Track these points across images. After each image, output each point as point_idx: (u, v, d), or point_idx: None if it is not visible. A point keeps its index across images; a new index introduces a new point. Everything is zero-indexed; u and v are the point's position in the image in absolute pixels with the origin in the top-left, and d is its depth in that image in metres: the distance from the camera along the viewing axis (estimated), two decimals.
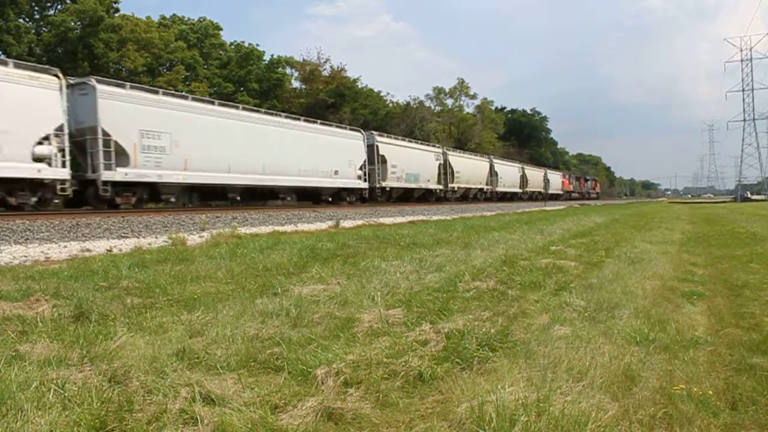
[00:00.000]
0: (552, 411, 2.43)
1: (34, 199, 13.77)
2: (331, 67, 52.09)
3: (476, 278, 6.01)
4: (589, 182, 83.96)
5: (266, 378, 3.02)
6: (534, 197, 50.92)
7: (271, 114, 22.03)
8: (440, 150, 35.37)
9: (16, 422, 2.35)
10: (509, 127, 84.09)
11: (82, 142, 14.80)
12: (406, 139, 35.13)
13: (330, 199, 24.66)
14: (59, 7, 38.74)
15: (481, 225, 15.40)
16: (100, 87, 14.96)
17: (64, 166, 13.91)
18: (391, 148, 28.88)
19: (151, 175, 16.06)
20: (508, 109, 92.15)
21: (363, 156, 26.07)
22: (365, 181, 26.21)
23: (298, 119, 23.46)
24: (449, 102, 70.75)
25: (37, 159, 13.31)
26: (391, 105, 59.79)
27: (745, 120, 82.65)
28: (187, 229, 11.95)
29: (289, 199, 22.14)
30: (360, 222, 16.95)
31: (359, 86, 53.66)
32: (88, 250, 8.73)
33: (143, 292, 5.20)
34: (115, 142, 14.97)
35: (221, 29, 50.65)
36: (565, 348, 3.43)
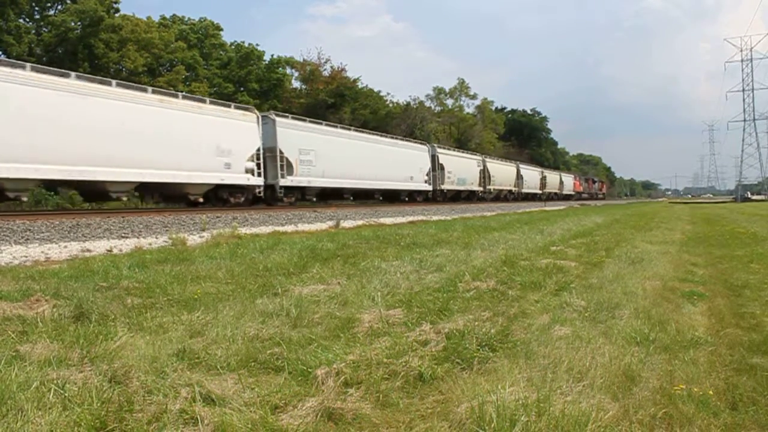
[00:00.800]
0: (552, 411, 2.43)
1: (242, 199, 20.02)
2: (331, 67, 52.14)
3: (476, 278, 6.01)
4: (596, 184, 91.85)
5: (266, 378, 3.03)
6: (551, 197, 57.49)
7: (368, 133, 29.48)
8: (480, 158, 41.94)
9: (16, 422, 2.35)
10: (509, 128, 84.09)
11: (265, 158, 20.41)
12: (458, 149, 43.19)
13: (406, 198, 31.25)
14: (59, 7, 38.76)
15: (481, 225, 15.39)
16: (278, 119, 21.48)
17: (260, 175, 19.98)
18: (447, 157, 35.56)
19: (303, 182, 22.25)
20: (509, 109, 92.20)
21: (428, 165, 32.96)
22: (430, 184, 33.07)
23: (385, 136, 31.74)
24: (449, 102, 70.80)
25: (247, 171, 19.49)
26: (391, 105, 59.79)
27: (745, 120, 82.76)
28: (188, 229, 11.95)
29: (381, 198, 29.41)
30: (360, 222, 16.95)
31: (359, 86, 53.66)
32: (89, 251, 8.73)
33: (143, 293, 5.20)
34: (286, 158, 21.22)
35: (221, 29, 50.71)
36: (565, 348, 3.43)
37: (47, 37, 36.69)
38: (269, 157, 20.58)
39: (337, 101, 49.51)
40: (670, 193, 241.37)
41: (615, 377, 2.99)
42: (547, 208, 35.29)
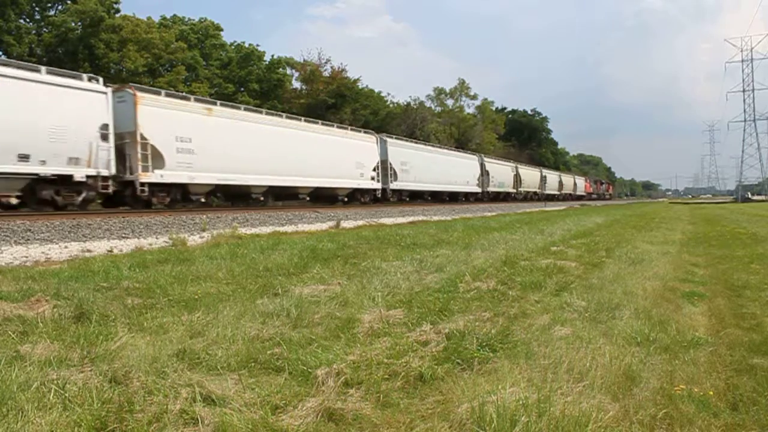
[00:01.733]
0: (552, 411, 2.43)
1: (368, 198, 27.34)
2: (331, 67, 52.14)
3: (477, 279, 6.01)
4: (603, 185, 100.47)
5: (267, 378, 3.03)
6: (566, 198, 64.87)
7: (442, 147, 39.32)
8: (513, 164, 50.15)
9: (16, 422, 2.35)
10: (510, 128, 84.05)
11: (379, 168, 27.88)
12: (498, 158, 50.67)
13: (463, 198, 38.04)
14: (60, 7, 38.79)
15: (481, 225, 15.39)
16: (389, 140, 29.62)
17: (378, 181, 27.70)
18: (491, 165, 43.31)
19: (403, 185, 30.01)
20: (509, 109, 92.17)
21: (479, 171, 40.48)
22: (479, 187, 40.18)
23: (454, 150, 40.87)
24: (450, 102, 70.80)
25: (372, 179, 27.21)
26: (391, 105, 59.81)
27: (745, 120, 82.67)
28: (188, 229, 11.95)
29: (448, 198, 35.94)
30: (360, 222, 16.95)
31: (360, 87, 53.66)
32: (89, 251, 8.74)
33: (144, 293, 5.20)
34: (392, 167, 28.92)
35: (222, 30, 50.65)
36: (565, 348, 3.43)
37: (47, 37, 36.72)
38: (382, 167, 28.18)
39: (338, 102, 49.51)
40: (670, 193, 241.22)
41: (615, 377, 2.99)
42: (547, 209, 35.29)
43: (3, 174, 12.73)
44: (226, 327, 3.89)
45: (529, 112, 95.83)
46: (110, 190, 15.34)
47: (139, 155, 15.42)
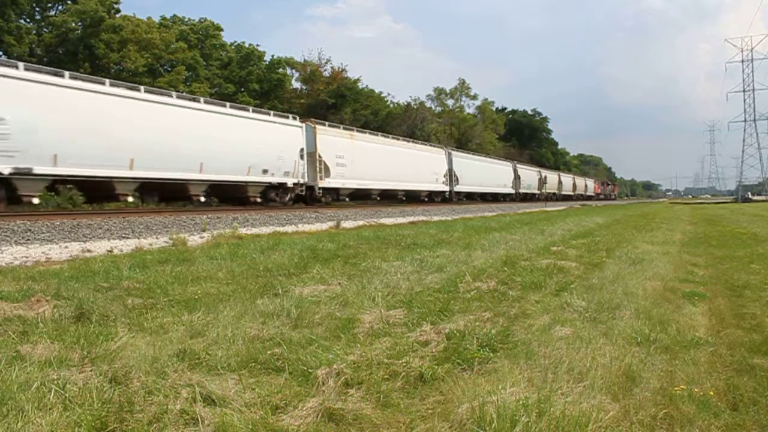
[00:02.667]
0: (553, 412, 2.43)
1: (439, 198, 34.96)
2: (332, 67, 52.18)
3: (477, 279, 6.01)
4: (609, 186, 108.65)
5: (267, 378, 3.03)
6: (577, 198, 71.86)
7: (478, 154, 46.29)
8: (537, 169, 59.82)
9: (17, 423, 2.35)
10: (510, 128, 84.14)
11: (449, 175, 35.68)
12: (531, 164, 61.45)
13: (502, 198, 45.41)
14: (60, 7, 38.79)
15: (481, 226, 15.39)
16: (454, 152, 38.47)
17: (446, 185, 35.34)
18: (521, 170, 51.41)
19: (461, 188, 38.11)
20: (509, 109, 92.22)
21: (512, 176, 48.53)
22: (512, 189, 48.24)
23: (491, 157, 49.99)
24: (450, 102, 70.93)
25: (442, 183, 34.96)
26: (391, 105, 59.86)
27: (746, 120, 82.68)
28: (188, 229, 11.96)
29: (491, 198, 43.27)
30: (361, 222, 16.95)
31: (360, 87, 53.69)
32: (89, 251, 8.74)
33: (144, 293, 5.20)
34: (455, 173, 36.80)
35: (222, 30, 50.73)
36: (565, 348, 3.43)
37: (48, 37, 36.73)
38: (449, 174, 36.19)
39: (338, 102, 49.56)
40: (670, 193, 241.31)
41: (615, 378, 2.99)
42: (547, 209, 35.30)
43: (255, 182, 20.92)
44: (227, 327, 3.89)
45: (530, 112, 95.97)
46: (303, 192, 23.15)
47: (317, 168, 23.61)
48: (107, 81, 16.47)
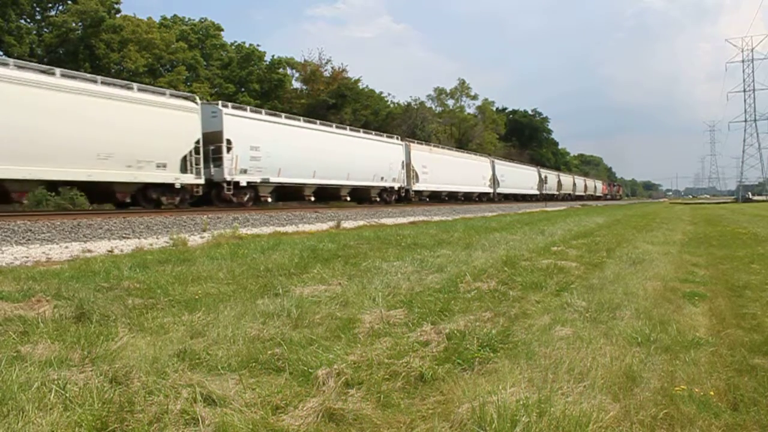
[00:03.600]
0: (553, 412, 2.43)
1: (485, 198, 41.63)
2: (332, 67, 52.18)
3: (477, 279, 6.01)
4: (615, 187, 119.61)
5: (267, 379, 3.03)
6: (588, 198, 79.19)
7: (510, 160, 54.29)
8: (557, 173, 67.55)
9: (17, 423, 2.35)
10: (510, 128, 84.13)
11: (493, 179, 44.07)
12: (552, 169, 70.05)
13: (529, 198, 52.40)
14: (60, 7, 38.80)
15: (482, 226, 15.39)
16: (496, 161, 46.39)
17: (490, 188, 43.04)
18: (545, 173, 59.41)
19: (502, 190, 45.59)
20: (510, 109, 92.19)
21: (537, 179, 55.84)
22: (537, 190, 55.07)
23: (523, 164, 56.41)
24: (450, 102, 70.96)
25: (487, 186, 42.99)
26: (392, 105, 59.86)
27: (746, 120, 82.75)
28: (188, 229, 11.96)
29: (521, 198, 49.49)
30: (361, 222, 16.95)
31: (360, 87, 53.68)
32: (90, 251, 8.74)
33: (144, 293, 5.21)
34: (497, 178, 44.25)
35: (222, 30, 50.77)
36: (566, 349, 3.43)
37: (48, 37, 36.74)
38: (493, 179, 44.07)
39: (338, 102, 49.56)
40: (671, 193, 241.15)
41: (616, 378, 2.99)
42: (548, 209, 35.30)
43: (375, 186, 28.56)
44: (227, 327, 3.89)
45: (530, 112, 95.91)
46: (402, 194, 30.69)
47: (411, 175, 31.52)
48: (301, 118, 25.35)
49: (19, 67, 14.13)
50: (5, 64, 13.71)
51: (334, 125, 27.52)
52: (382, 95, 59.55)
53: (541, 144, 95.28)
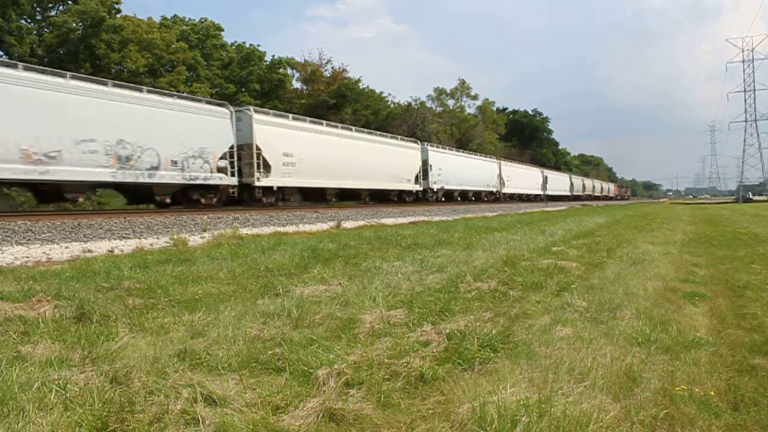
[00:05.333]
0: (553, 412, 2.43)
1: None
2: (332, 68, 52.15)
3: (478, 279, 6.01)
4: (623, 188, 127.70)
5: (268, 379, 3.03)
6: (599, 198, 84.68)
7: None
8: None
9: (17, 423, 2.36)
10: (511, 128, 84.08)
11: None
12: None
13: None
14: (61, 7, 38.80)
15: (482, 226, 15.39)
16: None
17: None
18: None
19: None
20: (510, 109, 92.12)
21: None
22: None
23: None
24: (450, 103, 70.86)
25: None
26: (392, 105, 59.80)
27: (746, 121, 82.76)
28: (189, 229, 11.96)
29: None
30: (361, 222, 16.96)
31: (360, 87, 53.65)
32: (90, 251, 8.75)
33: (145, 293, 5.21)
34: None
35: (222, 30, 50.69)
36: (566, 349, 3.43)
37: (49, 37, 36.74)
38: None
39: (339, 102, 49.51)
40: (671, 193, 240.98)
41: (616, 378, 2.99)
42: (548, 209, 35.30)
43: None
44: (227, 327, 3.89)
45: (530, 112, 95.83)
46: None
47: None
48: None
49: (381, 136, 26.12)
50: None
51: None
52: (383, 95, 59.53)
53: (542, 144, 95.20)
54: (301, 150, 22.22)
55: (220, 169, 18.30)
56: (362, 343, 3.66)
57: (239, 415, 2.49)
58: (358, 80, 53.47)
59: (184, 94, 19.55)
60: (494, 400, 2.54)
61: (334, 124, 27.04)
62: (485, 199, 42.25)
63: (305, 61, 52.11)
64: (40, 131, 13.10)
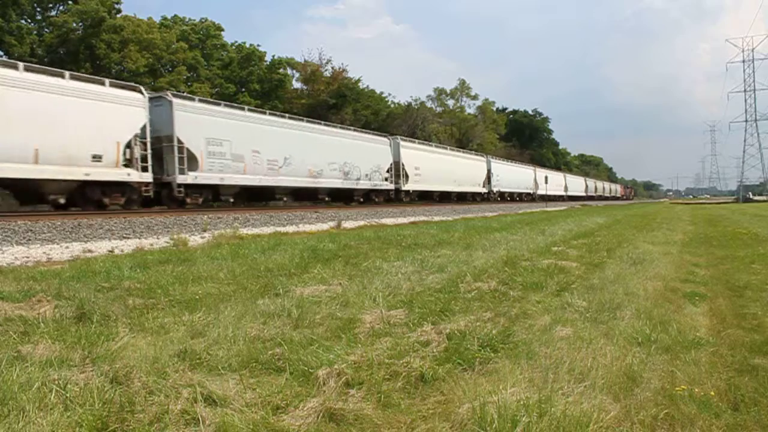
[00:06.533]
0: (554, 412, 2.43)
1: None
2: (332, 68, 52.17)
3: (478, 279, 6.01)
4: (629, 189, 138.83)
5: (268, 379, 3.02)
6: (609, 198, 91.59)
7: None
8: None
9: (18, 423, 2.36)
10: (511, 128, 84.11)
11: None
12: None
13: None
14: (61, 7, 38.81)
15: (482, 226, 15.39)
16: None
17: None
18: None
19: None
20: (510, 109, 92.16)
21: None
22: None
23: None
24: (450, 103, 70.87)
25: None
26: (392, 106, 59.85)
27: (747, 121, 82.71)
28: (189, 229, 11.96)
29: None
30: (362, 222, 16.95)
31: (360, 87, 53.67)
32: (90, 251, 8.75)
33: (145, 293, 5.21)
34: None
35: (223, 30, 50.74)
36: (566, 349, 3.43)
37: (49, 37, 36.75)
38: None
39: (339, 102, 49.54)
40: (671, 193, 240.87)
41: (616, 378, 2.99)
42: (548, 209, 35.29)
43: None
44: (227, 327, 3.89)
45: (530, 112, 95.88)
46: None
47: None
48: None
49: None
50: None
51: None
52: (383, 95, 59.61)
53: (542, 144, 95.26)
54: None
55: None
56: (362, 343, 3.66)
57: (239, 415, 2.49)
58: (358, 80, 53.57)
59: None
60: (494, 400, 2.54)
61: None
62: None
63: (305, 61, 52.19)
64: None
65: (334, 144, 24.77)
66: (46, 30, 37.68)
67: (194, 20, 49.88)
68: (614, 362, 3.20)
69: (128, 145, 15.83)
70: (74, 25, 37.06)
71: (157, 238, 10.51)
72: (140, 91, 16.65)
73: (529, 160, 68.15)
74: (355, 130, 28.51)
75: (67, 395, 2.65)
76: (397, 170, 29.97)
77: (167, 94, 17.85)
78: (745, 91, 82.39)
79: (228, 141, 19.04)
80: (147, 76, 38.45)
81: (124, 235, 10.65)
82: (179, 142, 17.27)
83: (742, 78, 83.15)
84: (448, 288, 5.53)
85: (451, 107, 70.13)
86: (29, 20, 37.70)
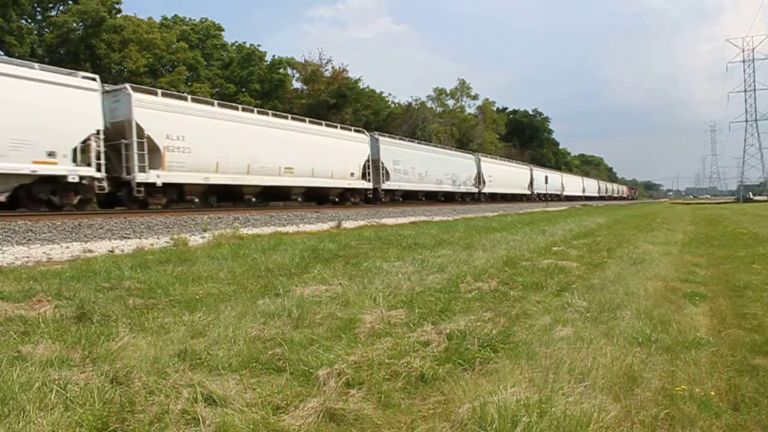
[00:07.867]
0: (554, 412, 2.43)
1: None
2: (332, 68, 52.15)
3: (478, 279, 6.01)
4: (633, 190, 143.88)
5: (268, 379, 3.03)
6: (617, 198, 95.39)
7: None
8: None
9: (18, 423, 2.36)
10: (511, 128, 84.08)
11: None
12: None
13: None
14: (61, 7, 38.81)
15: (483, 226, 15.39)
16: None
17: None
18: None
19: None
20: (510, 109, 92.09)
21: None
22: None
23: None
24: (450, 103, 70.82)
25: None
26: (392, 106, 59.81)
27: (747, 121, 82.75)
28: (189, 229, 11.96)
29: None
30: (362, 222, 16.95)
31: (361, 87, 53.65)
32: (90, 251, 8.75)
33: (145, 293, 5.21)
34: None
35: (223, 30, 50.64)
36: (567, 349, 3.43)
37: (49, 37, 36.75)
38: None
39: (339, 102, 49.50)
40: (672, 193, 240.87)
41: (617, 378, 2.99)
42: (549, 209, 35.28)
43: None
44: (228, 327, 3.89)
45: (531, 112, 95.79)
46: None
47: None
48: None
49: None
50: None
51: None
52: (383, 95, 59.55)
53: (542, 144, 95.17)
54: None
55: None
56: (363, 343, 3.66)
57: (239, 415, 2.49)
58: (358, 80, 53.50)
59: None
60: (495, 400, 2.54)
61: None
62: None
63: (305, 61, 52.13)
64: None
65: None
66: (46, 30, 37.66)
67: (194, 20, 49.83)
68: (614, 362, 3.20)
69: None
70: (74, 25, 37.04)
71: (158, 238, 10.51)
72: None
73: (529, 160, 68.11)
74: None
75: (68, 395, 2.65)
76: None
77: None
78: (745, 91, 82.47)
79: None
80: (147, 76, 38.42)
81: (125, 235, 10.65)
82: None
83: (742, 78, 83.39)
84: (449, 288, 5.53)
85: (451, 107, 70.09)
86: (29, 20, 37.69)
